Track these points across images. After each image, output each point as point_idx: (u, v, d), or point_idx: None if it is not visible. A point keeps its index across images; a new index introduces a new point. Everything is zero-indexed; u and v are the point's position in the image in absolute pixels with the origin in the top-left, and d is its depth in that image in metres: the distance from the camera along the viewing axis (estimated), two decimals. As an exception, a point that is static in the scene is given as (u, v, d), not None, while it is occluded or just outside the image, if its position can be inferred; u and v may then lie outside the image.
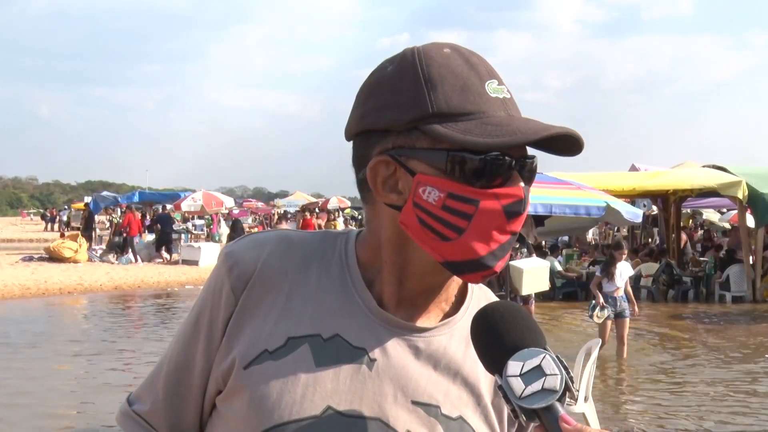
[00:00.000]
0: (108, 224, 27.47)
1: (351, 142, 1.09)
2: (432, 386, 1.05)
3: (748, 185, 15.27)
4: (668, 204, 17.90)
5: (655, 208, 18.98)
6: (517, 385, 0.89)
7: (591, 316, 9.85)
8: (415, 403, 1.03)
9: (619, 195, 11.78)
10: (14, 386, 8.53)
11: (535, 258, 10.91)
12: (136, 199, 32.34)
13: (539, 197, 6.45)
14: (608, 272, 9.81)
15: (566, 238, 21.13)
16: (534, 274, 9.87)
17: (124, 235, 23.99)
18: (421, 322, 1.08)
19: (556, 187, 6.83)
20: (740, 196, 15.26)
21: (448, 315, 1.10)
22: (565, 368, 0.90)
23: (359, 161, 1.06)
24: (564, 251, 18.45)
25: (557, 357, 0.91)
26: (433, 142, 0.99)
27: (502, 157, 0.99)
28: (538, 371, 0.89)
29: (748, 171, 16.17)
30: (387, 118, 1.01)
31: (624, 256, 10.03)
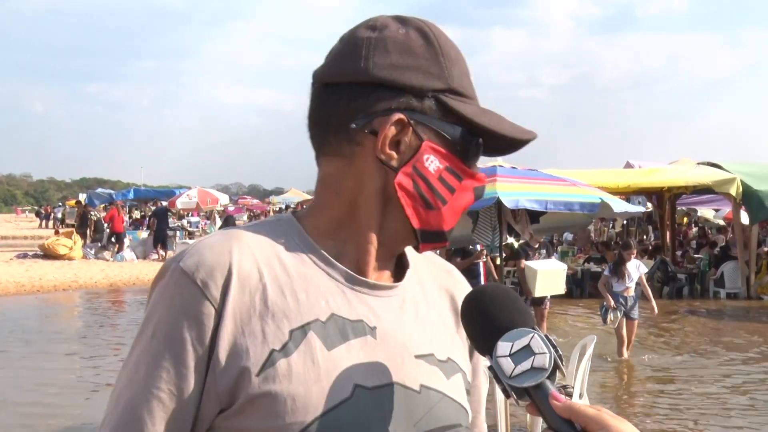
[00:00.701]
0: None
1: (322, 87, 1.08)
2: (422, 337, 1.09)
3: (742, 182, 15.32)
4: (663, 201, 17.94)
5: (650, 205, 19.02)
6: (507, 365, 0.90)
7: (605, 321, 9.57)
8: (417, 357, 1.07)
9: (614, 192, 11.78)
10: (7, 385, 8.52)
11: (552, 260, 10.76)
12: (131, 196, 32.40)
13: (534, 194, 6.46)
14: (618, 272, 9.57)
15: (570, 236, 21.18)
16: (549, 276, 9.54)
17: (107, 230, 24.05)
18: (390, 281, 1.12)
19: (550, 184, 6.84)
20: (734, 193, 15.31)
21: (397, 268, 1.15)
22: (554, 347, 0.92)
23: (350, 110, 1.04)
24: (559, 248, 18.49)
25: (546, 336, 0.92)
26: (444, 114, 1.05)
27: (481, 144, 1.07)
28: (527, 351, 0.91)
29: (742, 168, 16.21)
30: (411, 80, 1.03)
31: (633, 256, 9.81)
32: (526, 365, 0.90)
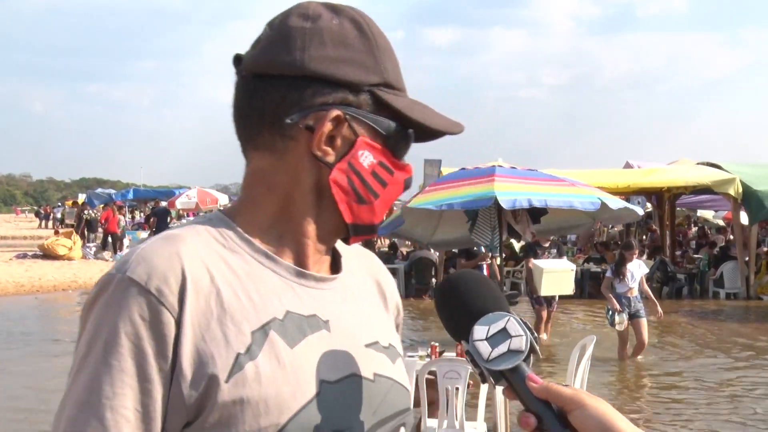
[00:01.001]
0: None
1: (254, 77, 1.03)
2: (366, 325, 1.10)
3: (742, 182, 15.32)
4: (663, 201, 17.94)
5: (649, 205, 19.01)
6: (484, 348, 0.91)
7: (612, 324, 9.31)
8: (366, 346, 1.08)
9: (614, 192, 11.77)
10: (8, 387, 8.52)
11: (561, 260, 10.69)
12: (130, 196, 32.37)
13: (534, 193, 6.45)
14: (619, 273, 9.36)
15: (573, 237, 21.18)
16: (555, 276, 9.56)
17: (101, 229, 24.16)
18: (330, 272, 1.12)
19: (549, 184, 6.83)
20: (734, 193, 15.31)
21: (333, 259, 1.15)
22: (530, 329, 0.92)
23: (284, 104, 1.01)
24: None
25: (521, 319, 0.93)
26: (377, 108, 1.04)
27: (412, 136, 1.07)
28: (503, 334, 0.91)
29: (742, 168, 16.22)
30: (348, 75, 1.02)
31: (635, 256, 9.64)
32: (502, 348, 0.91)
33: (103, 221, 24.58)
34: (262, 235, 1.05)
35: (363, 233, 1.09)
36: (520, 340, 0.91)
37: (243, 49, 1.08)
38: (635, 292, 9.38)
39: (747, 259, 15.94)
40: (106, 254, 23.49)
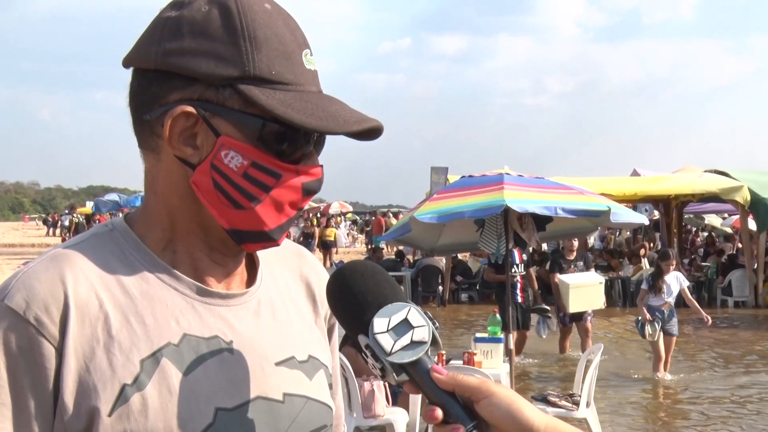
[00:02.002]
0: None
1: (131, 70, 0.99)
2: (282, 341, 1.03)
3: (750, 190, 15.24)
4: (670, 209, 17.87)
5: (656, 212, 18.95)
6: (386, 341, 0.87)
7: (643, 335, 8.89)
8: (277, 364, 1.02)
9: (621, 200, 11.73)
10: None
11: (589, 273, 10.17)
12: (137, 203, 32.35)
13: (542, 201, 6.42)
14: (655, 286, 8.81)
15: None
16: (583, 291, 9.24)
17: None
18: (242, 285, 1.05)
19: (558, 192, 6.80)
20: (742, 200, 15.24)
21: (249, 267, 1.08)
22: (431, 319, 0.89)
23: (146, 99, 0.96)
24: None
25: (421, 309, 0.90)
26: (245, 105, 0.93)
27: (309, 135, 0.97)
28: (405, 324, 0.88)
29: (749, 175, 16.15)
30: (201, 67, 0.93)
31: (672, 267, 8.92)
32: (405, 340, 0.87)
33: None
34: (160, 247, 0.99)
35: (253, 241, 0.99)
36: (423, 330, 0.88)
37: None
38: (671, 307, 8.88)
39: (755, 267, 15.85)
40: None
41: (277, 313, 1.05)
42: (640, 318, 8.88)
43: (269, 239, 0.99)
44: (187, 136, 0.95)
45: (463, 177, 7.67)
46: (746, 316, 14.77)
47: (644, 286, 9.08)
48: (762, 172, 17.29)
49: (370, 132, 0.98)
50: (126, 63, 1.00)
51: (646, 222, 9.59)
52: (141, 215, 1.02)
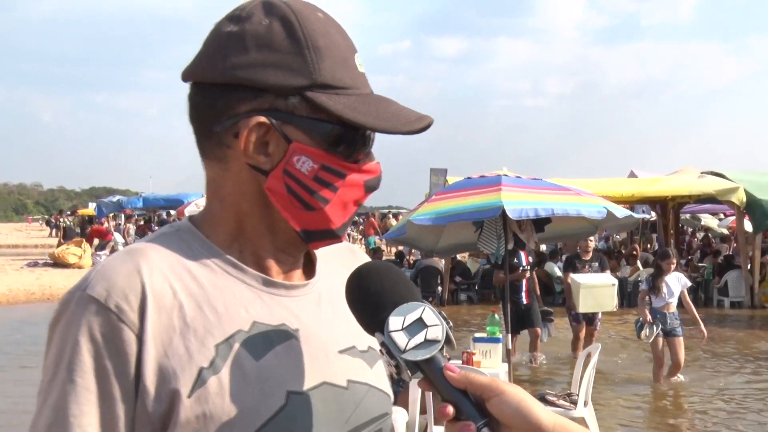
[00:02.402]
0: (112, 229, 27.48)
1: (193, 86, 1.02)
2: (342, 330, 1.06)
3: (746, 191, 15.25)
4: (667, 210, 17.88)
5: (653, 213, 18.96)
6: (401, 339, 0.89)
7: (639, 336, 8.60)
8: (340, 352, 1.05)
9: (619, 201, 11.72)
10: (24, 394, 8.53)
11: (602, 275, 9.86)
12: (140, 204, 32.33)
13: (539, 202, 6.43)
14: (655, 286, 8.46)
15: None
16: (594, 292, 9.07)
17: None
18: (303, 278, 1.09)
19: (555, 193, 6.81)
20: (738, 201, 15.25)
21: (307, 261, 1.12)
22: (445, 319, 0.91)
23: (214, 112, 0.99)
24: (564, 257, 18.43)
25: (435, 309, 0.92)
26: (313, 111, 0.98)
27: (369, 135, 1.02)
28: (419, 323, 0.90)
29: (746, 177, 16.15)
30: (270, 79, 0.97)
31: (673, 267, 8.57)
32: (419, 338, 0.89)
33: (96, 235, 25.19)
34: (226, 246, 1.03)
35: (321, 239, 1.04)
36: (437, 330, 0.89)
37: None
38: (673, 308, 8.51)
39: (751, 267, 15.86)
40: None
41: (336, 304, 1.08)
42: (640, 318, 8.63)
43: (335, 236, 1.04)
44: (260, 145, 0.98)
45: (467, 178, 7.67)
46: (742, 317, 14.78)
47: (644, 286, 8.81)
48: (758, 173, 17.30)
49: (423, 127, 1.02)
50: (186, 77, 1.03)
51: (641, 218, 9.51)
52: (205, 219, 1.05)
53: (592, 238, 10.01)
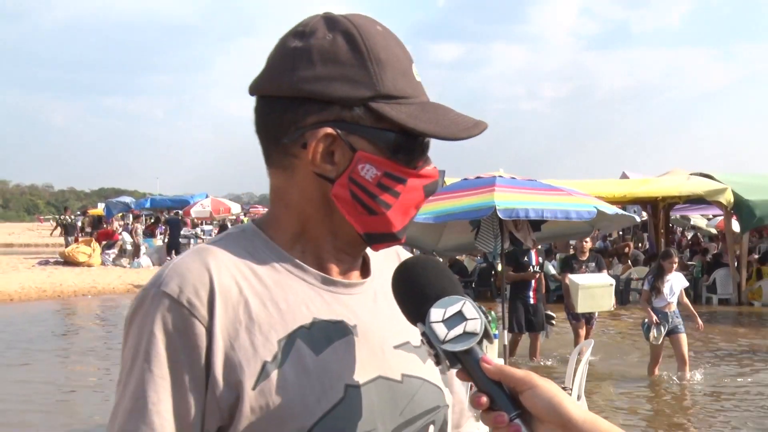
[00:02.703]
0: (120, 229, 27.49)
1: (260, 100, 1.04)
2: (397, 327, 1.07)
3: (733, 192, 15.28)
4: (657, 210, 17.91)
5: (645, 214, 18.98)
6: (441, 330, 0.91)
7: (647, 338, 8.44)
8: (396, 347, 1.08)
9: (611, 201, 11.68)
10: (39, 390, 8.54)
11: (600, 275, 9.73)
12: (147, 205, 32.36)
13: (532, 203, 6.44)
14: (656, 286, 8.33)
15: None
16: (592, 292, 8.91)
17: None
18: (359, 277, 1.11)
19: (548, 194, 6.82)
20: (725, 202, 15.27)
21: (363, 260, 1.14)
22: (484, 313, 0.93)
23: (282, 124, 1.01)
24: (558, 255, 18.45)
25: (476, 304, 0.93)
26: (376, 121, 1.00)
27: (427, 141, 1.04)
28: (459, 316, 0.91)
29: (733, 178, 16.19)
30: (336, 92, 0.99)
31: (675, 266, 8.43)
32: (458, 330, 0.90)
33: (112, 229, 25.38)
34: (286, 247, 1.06)
35: (383, 241, 1.06)
36: (476, 323, 0.91)
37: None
38: (674, 307, 8.38)
39: (737, 265, 15.88)
40: (124, 261, 23.56)
41: (390, 302, 1.08)
42: (646, 320, 8.45)
43: (396, 239, 1.06)
44: (326, 154, 1.00)
45: (464, 179, 7.68)
46: (730, 313, 14.81)
47: (645, 286, 8.61)
48: (745, 174, 17.33)
49: (479, 132, 1.05)
50: (253, 91, 1.05)
51: (638, 218, 9.40)
52: (269, 222, 1.08)
53: (587, 239, 9.86)
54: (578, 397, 6.39)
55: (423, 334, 0.92)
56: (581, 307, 9.07)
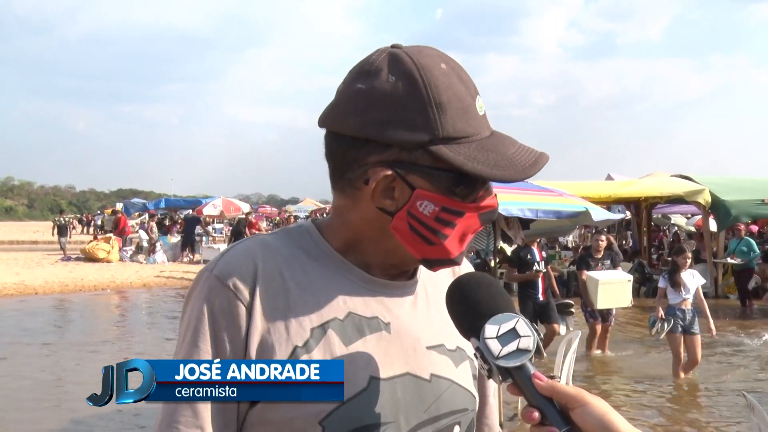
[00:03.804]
0: (136, 228, 27.48)
1: (328, 132, 1.04)
2: (433, 329, 1.08)
3: (711, 193, 15.28)
4: (640, 210, 17.90)
5: (628, 213, 18.98)
6: (495, 346, 0.89)
7: (651, 332, 8.06)
8: (428, 348, 1.07)
9: (597, 201, 11.70)
10: (62, 378, 8.52)
11: (617, 271, 9.42)
12: (162, 205, 32.38)
13: (526, 203, 6.45)
14: (672, 282, 7.79)
15: (562, 240, 21.08)
16: (612, 288, 8.61)
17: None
18: (404, 279, 1.10)
19: (540, 194, 6.83)
20: (703, 202, 15.28)
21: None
22: (537, 331, 0.91)
23: (346, 160, 1.02)
24: (545, 252, 18.43)
25: (529, 321, 0.92)
26: (435, 161, 0.98)
27: (485, 183, 1.02)
28: (513, 333, 0.90)
29: (711, 180, 16.19)
30: (396, 136, 0.97)
31: (688, 262, 7.85)
32: (512, 347, 0.89)
33: (122, 226, 25.38)
34: (343, 251, 1.07)
35: (440, 265, 1.05)
36: (528, 340, 0.90)
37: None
38: (689, 304, 7.87)
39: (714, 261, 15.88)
40: (141, 257, 23.55)
41: (431, 306, 1.10)
42: (653, 315, 8.02)
43: (454, 263, 1.06)
44: (386, 190, 1.00)
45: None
46: (708, 306, 14.75)
47: (661, 284, 7.98)
48: (721, 176, 17.33)
49: (538, 170, 1.02)
50: (322, 124, 1.05)
51: (621, 216, 9.24)
52: (327, 226, 1.09)
53: (603, 237, 9.53)
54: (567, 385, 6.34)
55: (477, 348, 0.91)
56: (601, 304, 8.71)
